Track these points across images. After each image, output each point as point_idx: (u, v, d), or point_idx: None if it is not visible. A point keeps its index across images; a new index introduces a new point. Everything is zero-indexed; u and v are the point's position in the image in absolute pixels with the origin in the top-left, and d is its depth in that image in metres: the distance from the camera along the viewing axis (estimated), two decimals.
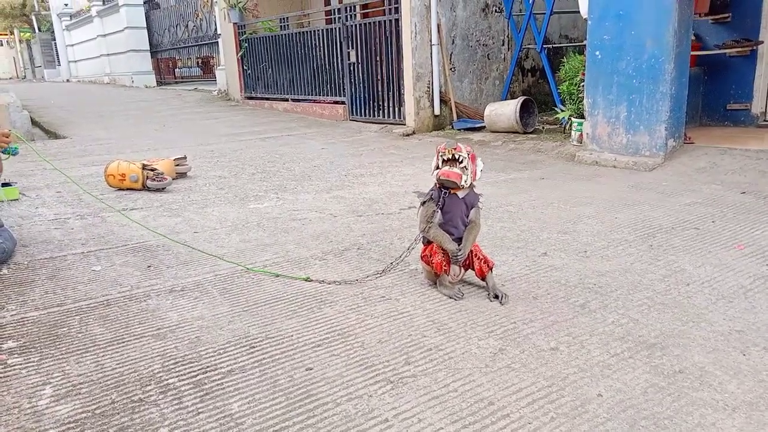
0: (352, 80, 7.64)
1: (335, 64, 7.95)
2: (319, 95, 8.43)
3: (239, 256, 2.67)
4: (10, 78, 32.08)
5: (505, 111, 6.13)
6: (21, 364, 1.75)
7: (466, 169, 2.09)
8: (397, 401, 1.52)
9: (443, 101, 6.87)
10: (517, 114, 5.96)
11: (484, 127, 6.49)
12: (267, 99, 9.69)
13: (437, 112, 6.83)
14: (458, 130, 6.70)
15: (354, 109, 7.75)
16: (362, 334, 1.89)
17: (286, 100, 9.17)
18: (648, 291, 2.16)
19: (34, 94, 14.40)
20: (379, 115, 7.37)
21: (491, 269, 2.17)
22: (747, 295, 2.10)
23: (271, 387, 1.60)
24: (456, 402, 1.51)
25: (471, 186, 2.19)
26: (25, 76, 31.99)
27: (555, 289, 2.20)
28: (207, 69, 16.08)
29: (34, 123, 7.61)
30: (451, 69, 6.87)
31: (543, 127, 6.36)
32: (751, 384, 1.55)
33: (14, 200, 3.74)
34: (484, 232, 2.94)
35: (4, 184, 3.85)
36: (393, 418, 1.45)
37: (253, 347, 1.82)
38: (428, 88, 6.74)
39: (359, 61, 7.43)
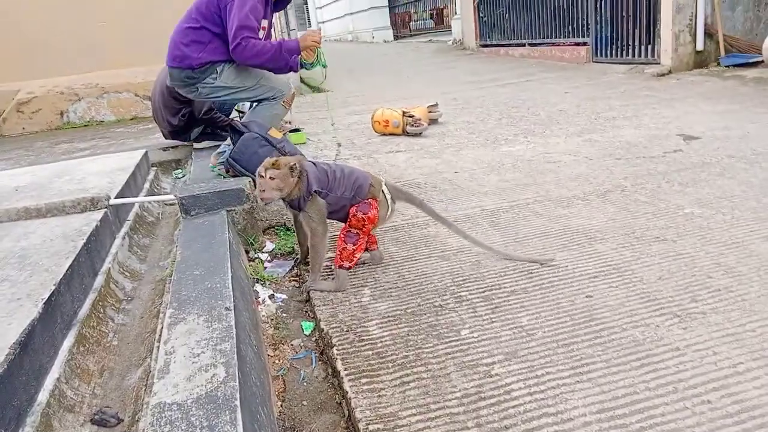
0: (598, 18, 7.15)
1: (578, 2, 7.52)
2: (559, 37, 8.09)
3: (501, 194, 2.84)
4: None
5: None
6: None
7: None
8: (687, 334, 1.54)
9: (708, 34, 6.06)
10: None
11: (762, 62, 5.58)
12: (502, 46, 9.63)
13: (700, 47, 6.06)
14: (726, 66, 5.87)
15: (598, 50, 7.29)
16: (639, 270, 1.91)
17: (523, 45, 9.00)
18: None
19: None
20: (626, 55, 6.82)
21: None
22: None
23: (554, 308, 1.74)
24: (755, 342, 1.47)
25: None
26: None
27: None
28: (439, 20, 16.48)
29: (300, 80, 8.76)
30: None
31: None
32: None
33: (302, 144, 4.44)
34: None
35: (293, 130, 4.60)
36: (685, 347, 1.48)
37: (531, 273, 1.98)
38: (690, 20, 6.00)
39: None
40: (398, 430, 1.30)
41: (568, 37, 7.89)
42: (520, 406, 1.34)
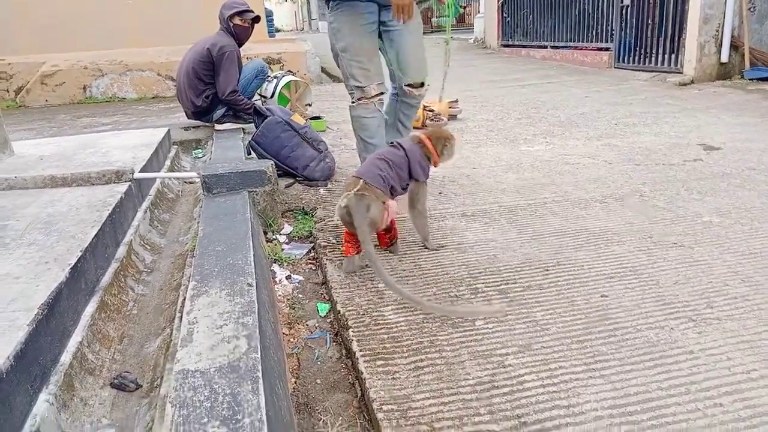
0: (622, 24, 7.11)
1: (603, 7, 7.49)
2: (582, 41, 8.05)
3: (519, 192, 2.85)
4: (291, 30, 36.90)
5: None
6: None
7: None
8: (702, 338, 1.55)
9: (733, 47, 6.01)
10: None
11: None
12: (524, 47, 9.59)
13: (724, 59, 6.02)
14: (750, 79, 5.83)
15: (620, 56, 7.25)
16: (656, 274, 1.92)
17: (545, 47, 8.96)
18: None
19: (314, 43, 16.41)
20: (648, 63, 6.79)
21: None
22: None
23: (569, 305, 1.76)
24: None
25: None
26: (302, 28, 36.49)
27: None
28: (461, 18, 16.42)
29: (321, 69, 8.78)
30: (749, 9, 5.94)
31: None
32: None
33: (321, 131, 4.47)
34: None
35: (314, 117, 4.62)
36: (699, 351, 1.49)
37: (547, 270, 1.99)
38: (717, 31, 5.95)
39: (634, 3, 6.86)
40: (411, 412, 1.33)
41: (591, 42, 7.85)
42: (533, 396, 1.36)
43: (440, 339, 1.61)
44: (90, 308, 1.71)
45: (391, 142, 2.28)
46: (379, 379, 1.45)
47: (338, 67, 2.88)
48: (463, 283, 1.94)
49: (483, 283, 1.93)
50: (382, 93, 2.81)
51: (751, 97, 5.13)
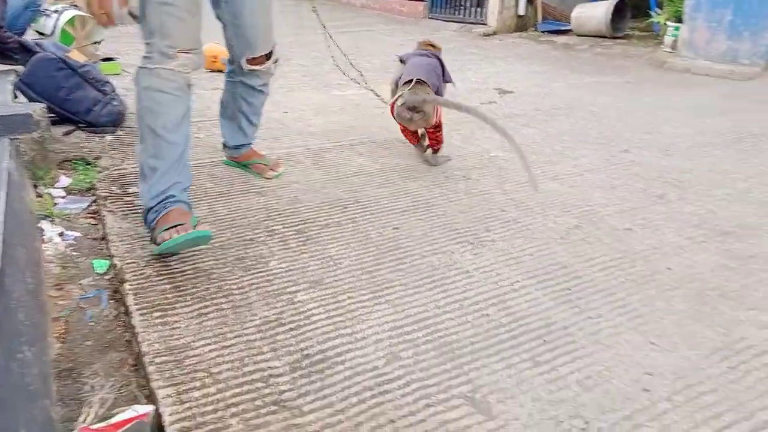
0: None
1: None
2: None
3: (327, 135, 2.83)
4: None
5: (595, 13, 5.80)
6: None
7: None
8: (477, 259, 1.67)
9: (529, 1, 6.55)
10: (609, 17, 5.64)
11: (570, 30, 6.19)
12: None
13: (521, 12, 6.54)
14: (542, 32, 6.42)
15: (434, 7, 7.53)
16: (445, 205, 2.03)
17: None
18: (729, 189, 2.17)
19: None
20: (458, 14, 7.14)
21: None
22: None
23: (363, 239, 1.78)
24: (532, 263, 1.65)
25: None
26: None
27: (634, 181, 2.25)
28: None
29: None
30: None
31: (633, 33, 6.01)
32: None
33: (116, 74, 3.99)
34: (566, 129, 2.97)
35: (106, 59, 4.11)
36: (474, 270, 1.61)
37: (346, 208, 2.00)
38: None
39: None
40: (188, 360, 1.24)
41: None
42: (319, 329, 1.35)
43: (229, 284, 1.54)
44: None
45: (420, 52, 2.54)
46: (155, 332, 1.34)
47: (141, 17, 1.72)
48: (260, 225, 1.87)
49: (281, 224, 1.87)
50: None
51: (542, 48, 5.65)
